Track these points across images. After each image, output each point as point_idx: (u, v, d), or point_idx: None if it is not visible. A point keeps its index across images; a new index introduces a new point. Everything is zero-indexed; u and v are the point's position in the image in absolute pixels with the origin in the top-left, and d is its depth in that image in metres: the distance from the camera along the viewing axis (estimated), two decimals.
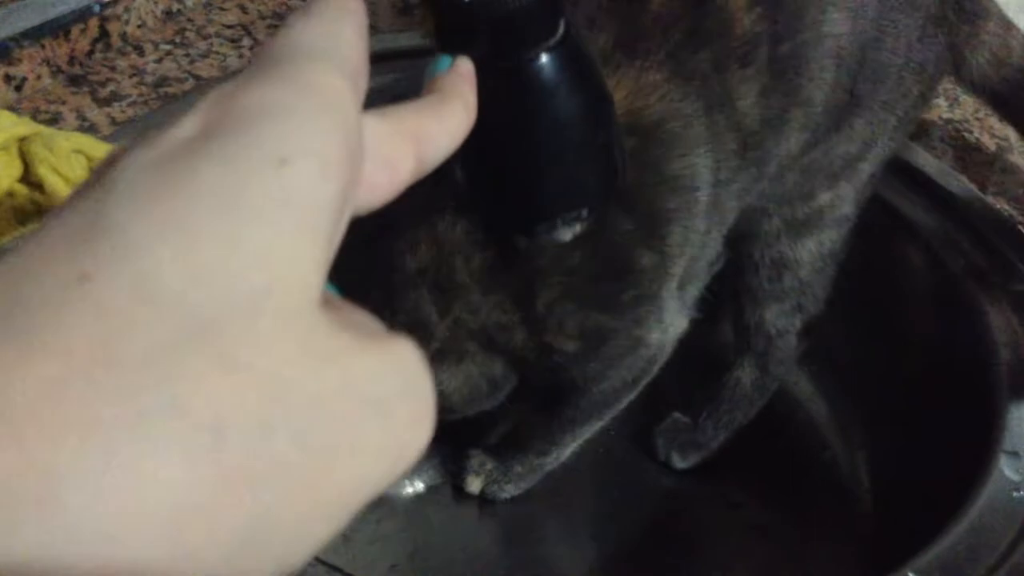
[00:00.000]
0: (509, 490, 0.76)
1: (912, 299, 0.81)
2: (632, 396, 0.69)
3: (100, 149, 0.66)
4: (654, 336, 0.62)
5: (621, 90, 0.53)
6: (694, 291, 0.65)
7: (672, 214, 0.56)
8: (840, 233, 0.69)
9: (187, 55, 0.89)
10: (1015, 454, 0.64)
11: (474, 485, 0.77)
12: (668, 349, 0.65)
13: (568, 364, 0.62)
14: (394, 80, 0.65)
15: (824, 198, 0.67)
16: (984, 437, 0.65)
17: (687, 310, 0.65)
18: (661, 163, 0.55)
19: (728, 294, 0.73)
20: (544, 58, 0.35)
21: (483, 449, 0.77)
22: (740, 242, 0.69)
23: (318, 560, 0.55)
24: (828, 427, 0.85)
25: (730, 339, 0.78)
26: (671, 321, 0.63)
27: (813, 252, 0.69)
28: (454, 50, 0.33)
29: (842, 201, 0.67)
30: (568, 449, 0.74)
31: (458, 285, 0.56)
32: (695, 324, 0.66)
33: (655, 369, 0.66)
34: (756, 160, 0.60)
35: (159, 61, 0.88)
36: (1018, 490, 0.62)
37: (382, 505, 0.78)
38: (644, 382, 0.67)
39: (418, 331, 0.56)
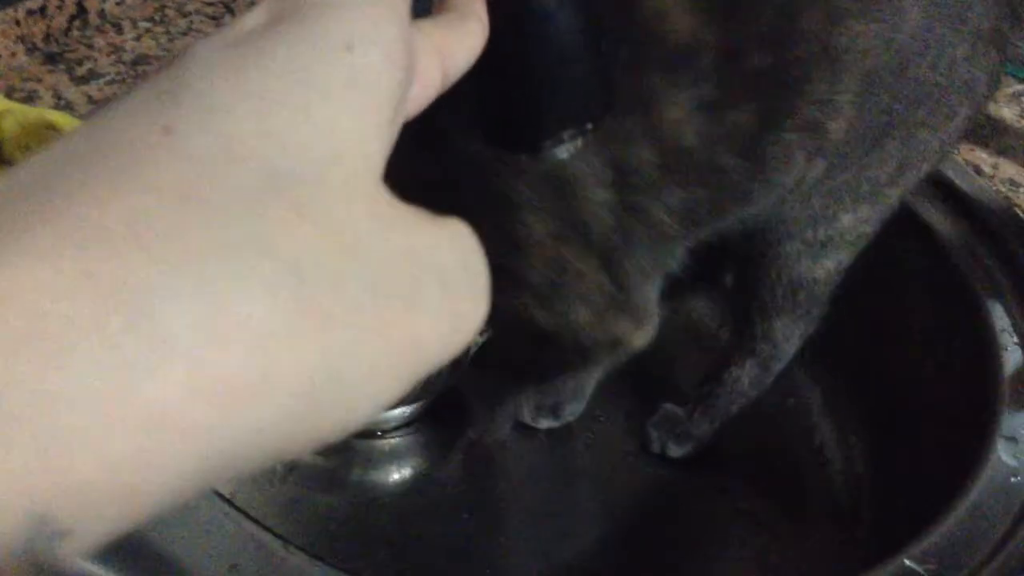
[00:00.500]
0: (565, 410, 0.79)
1: (908, 284, 0.79)
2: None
3: (75, 126, 0.64)
4: (540, 318, 0.57)
5: None
6: (642, 295, 0.60)
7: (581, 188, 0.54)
8: (857, 250, 0.66)
9: (167, 32, 0.87)
10: (1012, 439, 0.63)
11: (530, 417, 0.80)
12: (603, 353, 0.61)
13: None
14: None
15: (846, 220, 0.63)
16: (981, 422, 0.64)
17: (636, 315, 0.60)
18: None
19: (729, 300, 0.72)
20: None
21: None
22: (754, 263, 0.66)
23: (300, 549, 0.53)
24: (821, 412, 0.84)
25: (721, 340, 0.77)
26: (579, 316, 0.57)
27: (830, 271, 0.66)
28: None
29: (864, 223, 0.64)
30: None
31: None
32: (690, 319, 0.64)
33: (596, 366, 0.66)
34: (704, 182, 0.55)
35: (138, 39, 0.86)
36: (1016, 475, 0.61)
37: (364, 491, 0.77)
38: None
39: None
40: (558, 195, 0.52)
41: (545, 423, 0.81)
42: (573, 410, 0.81)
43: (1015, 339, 0.69)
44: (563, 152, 0.40)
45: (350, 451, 0.79)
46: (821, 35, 0.53)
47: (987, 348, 0.68)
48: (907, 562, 0.55)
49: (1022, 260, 0.73)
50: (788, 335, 0.71)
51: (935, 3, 0.57)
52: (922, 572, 0.55)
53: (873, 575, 0.55)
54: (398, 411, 0.78)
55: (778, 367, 0.74)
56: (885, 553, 0.57)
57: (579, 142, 0.40)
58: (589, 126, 0.39)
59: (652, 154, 0.53)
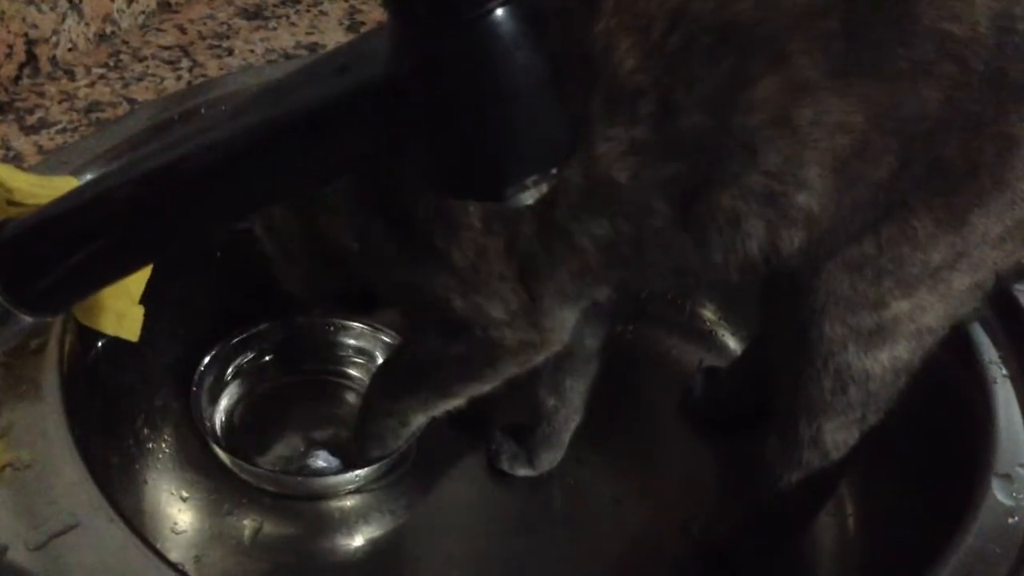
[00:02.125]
0: (543, 459, 0.77)
1: None
2: (468, 387, 0.65)
3: (19, 179, 0.61)
4: (456, 303, 0.58)
5: None
6: (553, 314, 0.60)
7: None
8: (921, 346, 0.60)
9: (121, 78, 0.85)
10: (1007, 476, 0.61)
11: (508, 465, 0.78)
12: (503, 353, 0.61)
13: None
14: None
15: (900, 307, 0.58)
16: (974, 459, 0.62)
17: (542, 329, 0.60)
18: None
19: (773, 403, 0.66)
20: (500, 11, 0.33)
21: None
22: (798, 349, 0.61)
23: None
24: None
25: None
26: (496, 311, 0.58)
27: (886, 366, 0.60)
28: (406, 9, 0.32)
29: (923, 313, 0.58)
30: (411, 419, 0.70)
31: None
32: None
33: (490, 370, 0.63)
34: (631, 220, 0.55)
35: (91, 85, 0.83)
36: (1012, 516, 0.58)
37: (343, 553, 0.74)
38: (479, 376, 0.64)
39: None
40: None
41: (522, 471, 0.78)
42: (550, 459, 0.78)
43: (1004, 371, 0.67)
44: (527, 198, 0.38)
45: (313, 515, 0.76)
46: (776, 106, 0.51)
47: (977, 381, 0.66)
48: None
49: (1009, 290, 0.71)
50: (839, 443, 0.63)
51: (957, 83, 0.52)
52: None
53: None
54: (352, 474, 0.76)
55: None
56: None
57: (543, 187, 0.38)
58: (553, 170, 0.37)
59: (580, 178, 0.52)
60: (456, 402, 0.67)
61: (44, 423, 0.57)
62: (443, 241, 0.55)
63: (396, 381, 0.70)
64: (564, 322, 0.61)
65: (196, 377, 0.78)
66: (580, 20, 0.50)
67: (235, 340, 0.82)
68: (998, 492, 0.60)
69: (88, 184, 0.44)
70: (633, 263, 0.58)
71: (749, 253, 0.56)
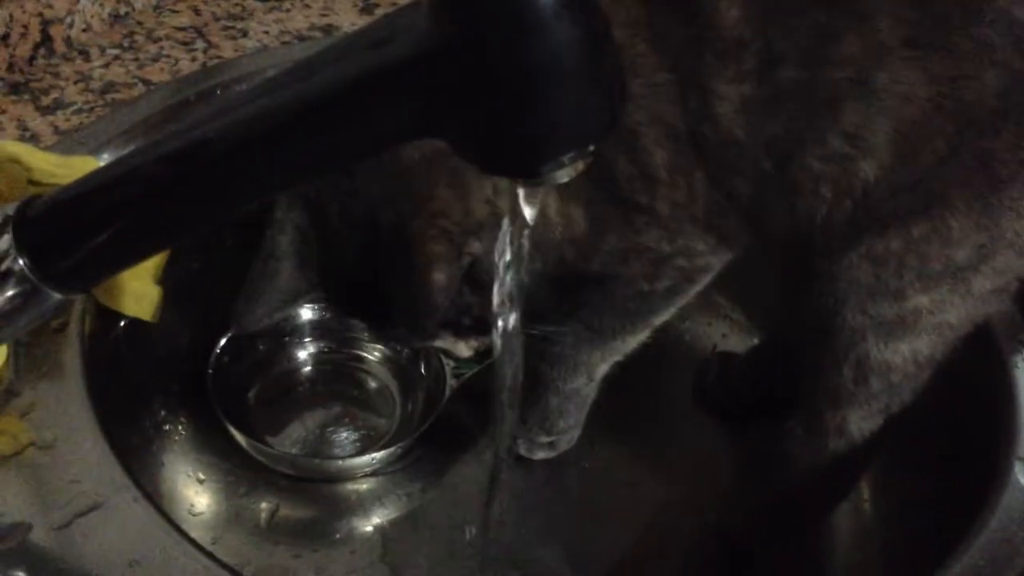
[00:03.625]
0: (560, 425, 0.74)
1: None
2: (668, 311, 0.66)
3: (38, 158, 0.61)
4: (664, 247, 0.60)
5: None
6: (725, 223, 0.60)
7: (642, 128, 0.55)
8: (942, 341, 0.60)
9: (136, 59, 0.84)
10: None
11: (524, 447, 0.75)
12: (708, 271, 0.63)
13: (578, 259, 0.61)
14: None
15: (920, 301, 0.58)
16: (997, 444, 0.62)
17: (723, 238, 0.61)
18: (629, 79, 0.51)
19: (793, 393, 0.66)
20: None
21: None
22: (819, 337, 0.61)
23: None
24: None
25: None
26: (696, 244, 0.60)
27: (907, 358, 0.60)
28: None
29: (943, 309, 0.58)
30: (599, 369, 0.71)
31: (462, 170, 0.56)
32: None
33: (694, 287, 0.64)
34: (746, 175, 0.56)
35: (106, 66, 0.83)
36: None
37: (360, 534, 0.73)
38: (679, 298, 0.65)
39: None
40: (664, 133, 0.54)
41: (541, 454, 0.78)
42: (569, 438, 0.78)
43: None
44: (563, 175, 0.37)
45: (330, 497, 0.76)
46: (858, 65, 0.51)
47: (998, 365, 0.66)
48: None
49: None
50: (865, 432, 0.63)
51: (1017, 74, 0.51)
52: None
53: None
54: (368, 456, 0.76)
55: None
56: None
57: (580, 164, 0.37)
58: (591, 147, 0.37)
59: (712, 134, 0.54)
60: (647, 332, 0.68)
61: (67, 403, 0.57)
62: (647, 198, 0.57)
63: (593, 332, 0.68)
64: (734, 226, 0.61)
65: (212, 359, 0.78)
66: None
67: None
68: (1021, 476, 0.59)
69: (118, 161, 0.43)
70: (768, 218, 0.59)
71: (814, 223, 0.57)
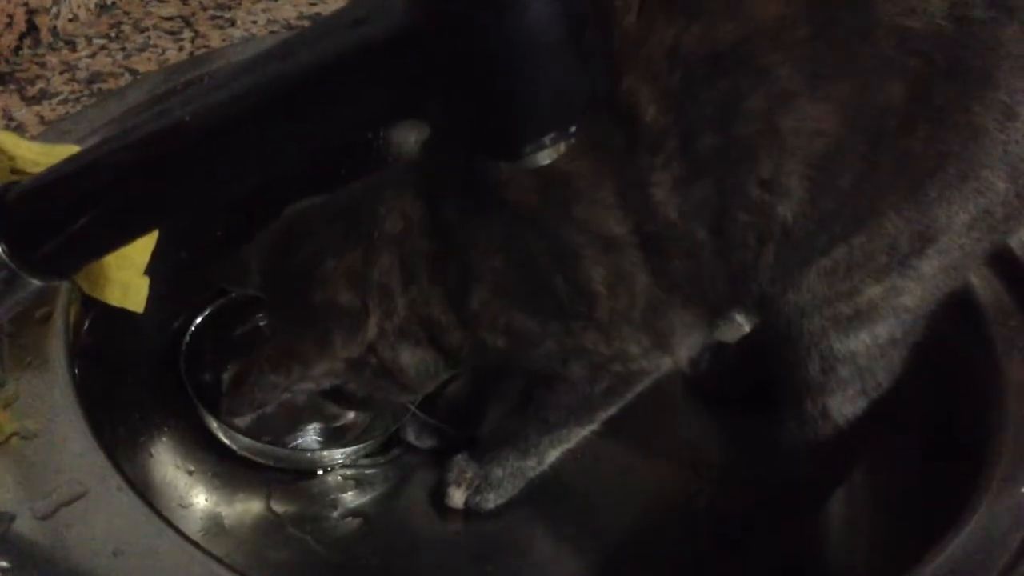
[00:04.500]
0: (491, 499, 0.73)
1: None
2: (609, 408, 0.69)
3: (21, 147, 0.60)
4: (602, 350, 0.63)
5: None
6: (674, 338, 0.63)
7: (582, 250, 0.58)
8: (902, 323, 0.61)
9: (123, 49, 0.84)
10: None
11: (456, 498, 0.73)
12: (644, 375, 0.66)
13: (503, 360, 0.65)
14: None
15: (873, 292, 0.59)
16: (987, 436, 0.62)
17: (667, 350, 0.64)
18: (570, 206, 0.57)
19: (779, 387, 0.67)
20: None
21: (462, 454, 0.74)
22: (783, 343, 0.63)
23: None
24: None
25: None
26: (631, 348, 0.63)
27: (868, 344, 0.61)
28: None
29: (898, 294, 0.60)
30: (549, 455, 0.72)
31: (416, 265, 0.61)
32: None
33: (633, 388, 0.67)
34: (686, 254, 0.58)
35: (92, 56, 0.82)
36: None
37: (348, 526, 0.73)
38: (618, 399, 0.68)
39: (384, 299, 0.62)
40: (605, 249, 0.58)
41: (457, 498, 0.74)
42: (491, 502, 0.75)
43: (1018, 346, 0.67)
44: (544, 157, 0.37)
45: (320, 490, 0.76)
46: (765, 117, 0.54)
47: (988, 357, 0.66)
48: None
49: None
50: (848, 416, 0.65)
51: (920, 76, 0.53)
52: None
53: None
54: (344, 449, 0.76)
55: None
56: (894, 571, 0.54)
57: (561, 146, 0.37)
58: (572, 128, 0.36)
59: (652, 228, 0.57)
60: (596, 425, 0.71)
61: (51, 393, 0.57)
62: (586, 309, 0.60)
63: (541, 423, 0.71)
64: (691, 341, 0.65)
65: (184, 348, 0.77)
66: (611, 79, 0.53)
67: (224, 306, 0.81)
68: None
69: (96, 145, 0.43)
70: (708, 289, 0.61)
71: (744, 270, 0.59)
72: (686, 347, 0.65)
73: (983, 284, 0.71)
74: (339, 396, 0.69)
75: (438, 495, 0.74)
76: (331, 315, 0.62)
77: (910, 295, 0.60)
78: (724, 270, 0.59)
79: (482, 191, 0.58)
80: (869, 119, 0.54)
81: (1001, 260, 0.71)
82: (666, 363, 0.65)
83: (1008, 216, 0.58)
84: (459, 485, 0.73)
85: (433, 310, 0.62)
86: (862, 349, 0.61)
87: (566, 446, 0.72)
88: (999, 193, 0.56)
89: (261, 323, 0.81)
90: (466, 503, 0.73)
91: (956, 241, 0.58)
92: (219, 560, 0.51)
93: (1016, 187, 0.56)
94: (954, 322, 0.64)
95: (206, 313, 0.80)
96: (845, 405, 0.64)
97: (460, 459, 0.74)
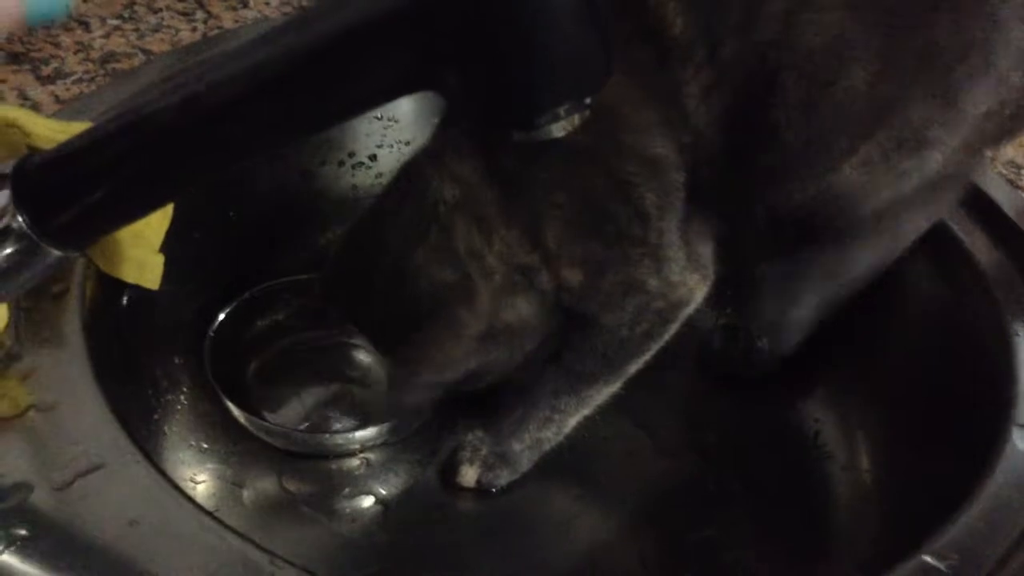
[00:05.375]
0: (505, 476, 0.73)
1: (909, 264, 0.76)
2: (643, 358, 0.68)
3: (38, 123, 0.61)
4: (652, 283, 0.63)
5: None
6: (703, 251, 0.65)
7: (634, 177, 0.59)
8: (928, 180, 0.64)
9: (136, 30, 0.84)
10: None
11: (469, 476, 0.73)
12: (682, 307, 0.66)
13: (576, 303, 0.64)
14: None
15: (909, 163, 0.62)
16: (995, 410, 0.62)
17: (699, 268, 0.65)
18: (617, 134, 0.58)
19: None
20: None
21: (476, 431, 0.74)
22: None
23: (288, 563, 0.50)
24: (823, 407, 0.81)
25: None
26: (674, 273, 0.63)
27: (914, 183, 0.64)
28: None
29: (926, 162, 0.63)
30: (570, 420, 0.72)
31: (491, 218, 0.60)
32: None
33: (669, 328, 0.67)
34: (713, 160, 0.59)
35: (106, 36, 0.83)
36: None
37: (360, 504, 0.74)
38: (656, 343, 0.67)
39: (477, 262, 0.61)
40: (653, 172, 0.59)
41: (470, 475, 0.75)
42: (503, 479, 0.75)
43: None
44: (559, 129, 0.38)
45: (333, 472, 0.76)
46: (783, 17, 0.56)
47: (998, 333, 0.66)
48: (926, 558, 0.53)
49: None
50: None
51: None
52: (942, 568, 0.52)
53: (892, 573, 0.52)
54: (363, 432, 0.76)
55: None
56: (901, 549, 0.54)
57: (576, 118, 0.37)
58: (588, 100, 0.37)
59: (688, 138, 0.58)
60: (620, 383, 0.71)
61: (67, 367, 0.58)
62: (642, 231, 0.61)
63: (573, 378, 0.70)
64: (710, 257, 0.66)
65: (211, 333, 0.79)
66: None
67: (248, 298, 0.82)
68: (1019, 441, 0.60)
69: (115, 116, 0.43)
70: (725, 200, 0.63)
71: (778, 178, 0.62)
72: (708, 260, 0.66)
73: (986, 254, 0.72)
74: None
75: (450, 473, 0.74)
76: (443, 294, 0.62)
77: (936, 164, 0.62)
78: (750, 182, 0.62)
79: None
80: (880, 13, 0.56)
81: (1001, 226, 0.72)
82: (698, 291, 0.66)
83: (1013, 115, 0.61)
84: (472, 463, 0.73)
85: (518, 254, 0.62)
86: (907, 189, 0.63)
87: (585, 411, 0.72)
88: (1016, 88, 0.59)
89: (280, 316, 0.83)
90: (478, 481, 0.73)
91: (979, 124, 0.61)
92: (234, 531, 0.52)
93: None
94: (958, 289, 0.65)
95: (234, 305, 0.81)
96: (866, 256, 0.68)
97: (474, 437, 0.74)
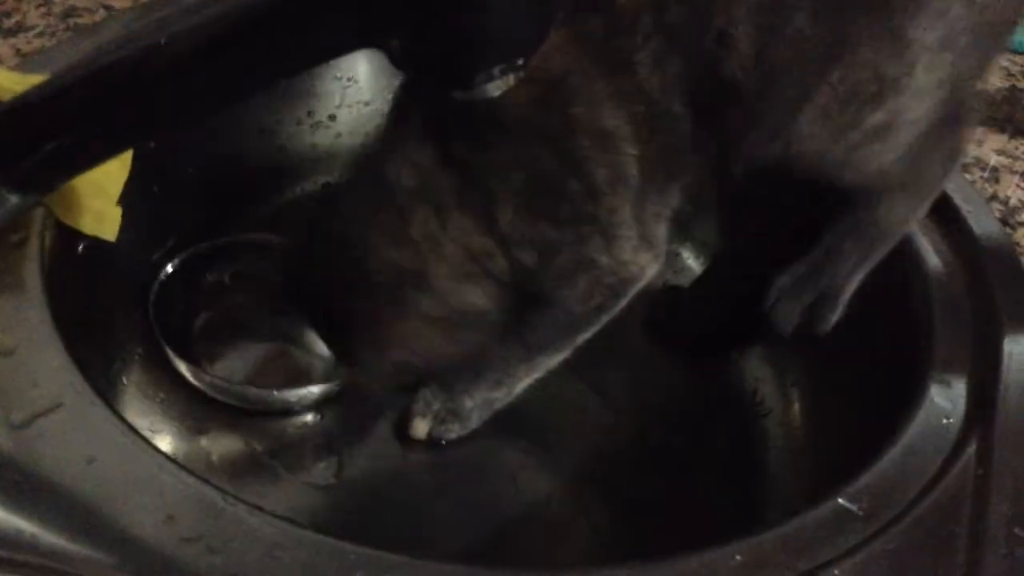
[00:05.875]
0: (455, 430, 0.75)
1: None
2: (594, 329, 0.70)
3: (3, 76, 0.62)
4: (603, 260, 0.64)
5: None
6: (656, 230, 0.65)
7: (585, 151, 0.60)
8: (917, 129, 0.63)
9: None
10: (946, 383, 0.64)
11: (420, 429, 0.76)
12: (632, 284, 0.67)
13: (531, 282, 0.65)
14: None
15: (876, 118, 0.61)
16: (916, 367, 0.65)
17: (652, 248, 0.66)
18: (567, 108, 0.58)
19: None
20: None
21: (430, 388, 0.76)
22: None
23: (239, 500, 0.52)
24: (761, 364, 0.85)
25: None
26: (624, 252, 0.64)
27: (893, 157, 0.64)
28: None
29: (903, 111, 0.62)
30: (521, 383, 0.74)
31: (447, 204, 0.61)
32: None
33: (620, 302, 0.68)
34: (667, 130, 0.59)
35: None
36: (947, 417, 0.62)
37: (317, 457, 0.76)
38: (607, 315, 0.69)
39: (434, 247, 0.62)
40: (604, 147, 0.59)
41: (422, 428, 0.77)
42: (454, 432, 0.78)
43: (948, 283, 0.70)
44: (494, 89, 0.39)
45: (291, 431, 0.78)
46: None
47: (919, 292, 0.70)
48: (841, 501, 0.56)
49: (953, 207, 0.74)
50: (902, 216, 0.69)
51: None
52: (855, 510, 0.56)
53: (807, 515, 0.55)
54: (305, 389, 0.77)
55: None
56: (822, 494, 0.58)
57: (510, 78, 0.39)
58: (520, 61, 0.39)
59: (643, 108, 0.58)
60: (570, 350, 0.72)
61: (26, 312, 0.59)
62: (593, 207, 0.62)
63: (524, 350, 0.72)
64: (664, 236, 0.67)
65: (156, 283, 0.79)
66: None
67: (198, 252, 0.83)
68: (936, 396, 0.63)
69: (73, 64, 0.45)
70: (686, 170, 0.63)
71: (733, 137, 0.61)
72: (661, 239, 0.67)
73: None
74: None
75: (403, 426, 0.76)
76: (403, 279, 0.64)
77: (914, 111, 0.62)
78: (705, 145, 0.61)
79: (482, 119, 0.58)
80: None
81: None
82: (649, 269, 0.67)
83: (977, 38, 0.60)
84: (424, 416, 0.76)
85: (473, 240, 0.63)
86: (890, 158, 0.63)
87: (536, 375, 0.74)
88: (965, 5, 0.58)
89: (229, 271, 0.84)
90: (430, 433, 0.76)
91: (940, 56, 0.60)
92: (189, 471, 0.54)
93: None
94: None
95: (177, 261, 0.81)
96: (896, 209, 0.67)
97: (427, 392, 0.76)
